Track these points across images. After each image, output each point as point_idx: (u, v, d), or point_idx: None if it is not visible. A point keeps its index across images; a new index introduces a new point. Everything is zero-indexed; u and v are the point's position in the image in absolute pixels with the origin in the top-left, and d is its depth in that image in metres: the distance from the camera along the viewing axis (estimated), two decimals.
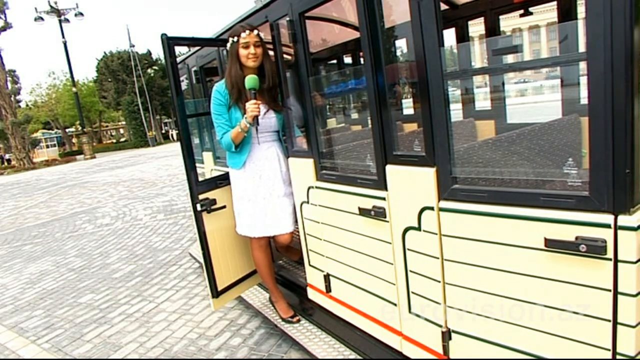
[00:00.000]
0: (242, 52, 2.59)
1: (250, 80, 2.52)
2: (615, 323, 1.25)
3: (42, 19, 27.82)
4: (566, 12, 2.56)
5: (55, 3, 28.01)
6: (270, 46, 2.63)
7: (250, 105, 2.51)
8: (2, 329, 3.89)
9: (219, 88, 2.70)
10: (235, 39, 2.59)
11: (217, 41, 3.12)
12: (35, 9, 27.50)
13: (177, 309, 3.81)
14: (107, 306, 4.09)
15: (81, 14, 28.73)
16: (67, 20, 28.55)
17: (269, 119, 2.72)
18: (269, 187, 2.78)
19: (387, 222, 1.95)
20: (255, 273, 3.18)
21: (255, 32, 2.58)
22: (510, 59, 1.73)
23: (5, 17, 26.80)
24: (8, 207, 11.98)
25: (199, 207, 2.78)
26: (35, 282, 5.13)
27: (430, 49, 1.57)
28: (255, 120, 2.53)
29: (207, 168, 4.28)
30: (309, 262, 2.72)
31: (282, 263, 3.50)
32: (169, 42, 2.64)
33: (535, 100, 18.60)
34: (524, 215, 1.40)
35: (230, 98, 2.68)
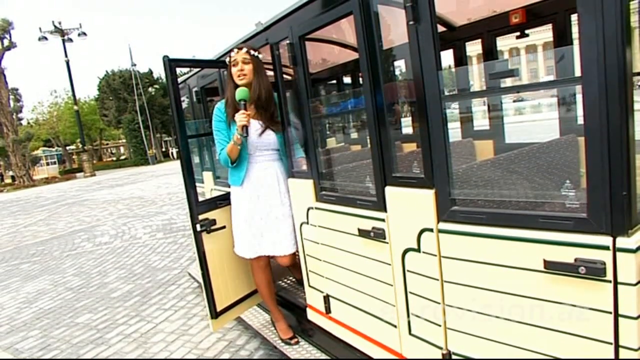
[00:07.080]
0: (233, 70, 2.63)
1: (240, 92, 2.57)
2: (617, 346, 1.24)
3: (46, 38, 28.19)
4: (561, 34, 2.60)
5: (59, 23, 28.44)
6: (269, 67, 2.67)
7: (239, 115, 2.54)
8: None
9: (220, 106, 2.74)
10: (228, 59, 2.66)
11: (218, 62, 3.16)
12: (40, 28, 27.90)
13: (175, 329, 3.77)
14: (104, 326, 4.04)
15: (84, 33, 29.18)
16: (70, 40, 28.95)
17: (267, 136, 2.70)
18: (266, 208, 2.75)
19: (387, 243, 1.94)
20: (255, 293, 3.15)
21: (244, 49, 2.59)
22: (508, 81, 1.75)
23: (10, 37, 27.19)
24: (6, 224, 11.94)
25: (198, 228, 2.78)
26: (32, 301, 5.08)
27: (428, 72, 1.59)
28: (245, 130, 2.55)
29: (207, 188, 4.29)
30: (308, 282, 2.71)
31: (282, 283, 3.47)
32: (170, 64, 2.67)
33: (534, 119, 18.74)
34: (523, 237, 1.40)
35: (227, 116, 2.70)
